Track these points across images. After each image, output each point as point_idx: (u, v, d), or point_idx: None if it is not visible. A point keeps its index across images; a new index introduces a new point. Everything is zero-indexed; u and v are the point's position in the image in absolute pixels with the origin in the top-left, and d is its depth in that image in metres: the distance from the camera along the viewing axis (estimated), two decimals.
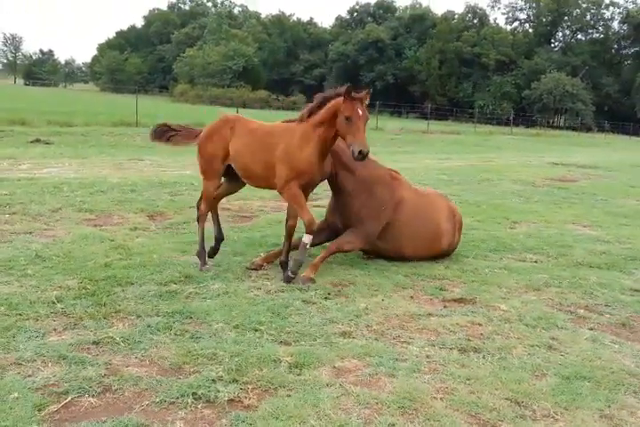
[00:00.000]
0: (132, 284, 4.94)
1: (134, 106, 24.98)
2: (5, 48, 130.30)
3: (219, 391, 3.31)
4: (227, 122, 5.71)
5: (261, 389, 3.39)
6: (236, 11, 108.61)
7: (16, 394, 3.12)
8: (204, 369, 3.54)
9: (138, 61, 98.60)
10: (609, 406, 3.47)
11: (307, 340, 4.09)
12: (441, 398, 3.40)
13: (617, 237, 8.28)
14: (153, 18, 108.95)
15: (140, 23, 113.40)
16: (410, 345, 4.12)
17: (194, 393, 3.26)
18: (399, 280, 5.61)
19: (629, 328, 4.84)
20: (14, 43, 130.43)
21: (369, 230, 5.92)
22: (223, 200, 8.96)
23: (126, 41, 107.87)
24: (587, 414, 3.37)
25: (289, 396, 3.31)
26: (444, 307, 5.00)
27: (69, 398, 3.14)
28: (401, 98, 67.97)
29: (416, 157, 19.23)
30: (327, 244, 6.01)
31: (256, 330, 4.17)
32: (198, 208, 5.99)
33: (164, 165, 13.24)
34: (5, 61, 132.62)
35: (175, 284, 5.02)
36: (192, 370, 3.54)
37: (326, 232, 6.09)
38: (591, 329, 4.73)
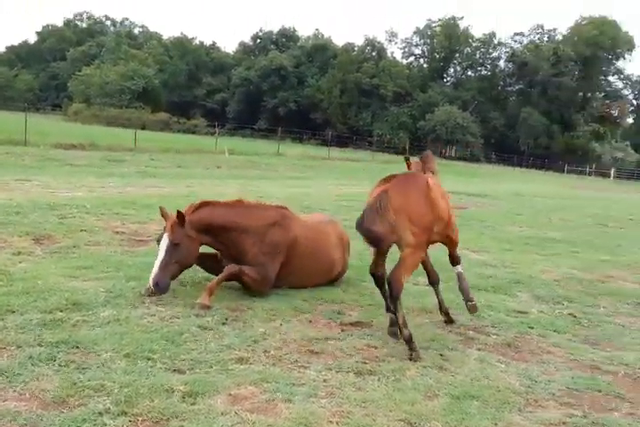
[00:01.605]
0: (13, 312, 4.61)
1: (23, 124, 23.68)
2: None
3: (105, 425, 3.14)
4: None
5: (152, 420, 3.24)
6: (136, 31, 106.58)
7: None
8: (90, 402, 3.35)
9: (29, 78, 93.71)
10: (495, 424, 3.62)
11: (202, 367, 3.98)
12: (337, 422, 3.40)
13: (502, 262, 8.77)
14: (47, 34, 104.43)
15: (33, 39, 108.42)
16: (307, 370, 4.12)
17: None
18: (298, 304, 5.62)
19: (514, 348, 5.10)
20: None
21: (268, 273, 5.77)
22: (118, 223, 8.68)
23: (17, 56, 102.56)
24: None
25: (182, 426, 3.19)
26: (342, 331, 5.05)
27: None
28: (303, 124, 69.03)
29: (317, 183, 19.53)
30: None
31: (148, 359, 4.00)
32: (396, 284, 4.60)
33: (54, 186, 12.60)
34: None
35: (61, 311, 4.73)
36: (77, 403, 3.34)
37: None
38: (479, 350, 4.95)
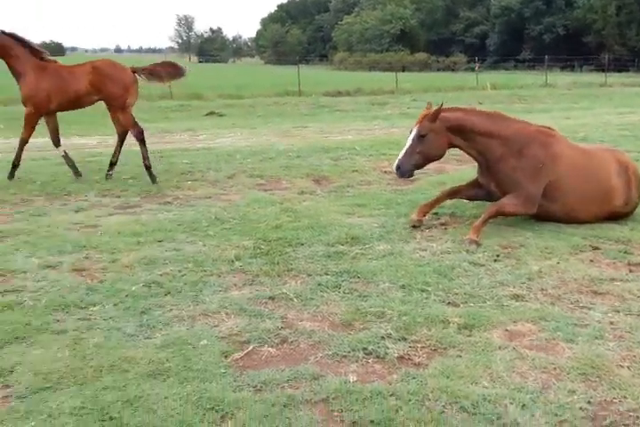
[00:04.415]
0: (302, 244, 5.15)
1: (296, 76, 25.69)
2: (180, 28, 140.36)
3: (388, 348, 3.36)
4: None
5: (430, 348, 3.38)
6: None
7: (205, 341, 3.42)
8: (372, 326, 3.61)
9: (298, 33, 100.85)
10: None
11: (476, 302, 3.99)
12: (628, 367, 3.15)
13: None
14: None
15: None
16: (590, 311, 3.85)
17: (364, 348, 3.34)
18: (576, 243, 5.24)
19: None
20: (187, 23, 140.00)
21: (530, 192, 5.51)
22: (385, 163, 9.00)
23: (287, 13, 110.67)
24: None
25: (459, 356, 3.27)
26: (630, 271, 4.59)
27: (251, 348, 3.38)
28: (573, 51, 62.36)
29: (593, 113, 17.68)
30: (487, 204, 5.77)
31: (423, 290, 4.15)
32: None
33: (327, 131, 13.53)
34: (180, 41, 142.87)
35: (342, 245, 5.14)
36: (361, 327, 3.63)
37: (483, 191, 5.85)
38: None
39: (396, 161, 5.58)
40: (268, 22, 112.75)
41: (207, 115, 17.70)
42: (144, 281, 4.31)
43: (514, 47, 70.34)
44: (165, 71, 8.17)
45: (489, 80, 30.29)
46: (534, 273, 4.50)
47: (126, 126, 7.91)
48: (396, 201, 6.66)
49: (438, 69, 62.39)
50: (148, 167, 7.79)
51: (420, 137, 5.52)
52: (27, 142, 7.87)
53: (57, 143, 8.10)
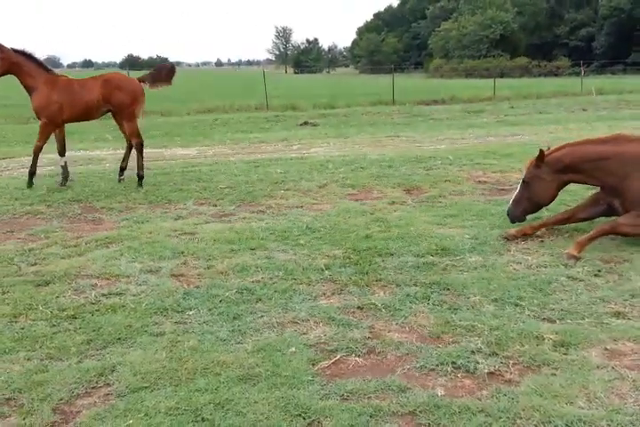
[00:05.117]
0: (392, 255, 5.14)
1: (391, 85, 25.68)
2: (277, 40, 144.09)
3: (478, 363, 3.28)
4: None
5: (523, 364, 3.27)
6: None
7: (293, 348, 3.49)
8: (462, 340, 3.55)
9: (394, 41, 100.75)
10: None
11: (573, 318, 3.81)
12: None
13: None
14: None
15: (395, 2, 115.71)
16: None
17: (453, 362, 3.28)
18: None
19: None
20: (285, 35, 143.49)
21: None
22: (479, 173, 8.80)
23: (383, 22, 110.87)
24: None
25: (554, 375, 3.14)
26: None
27: (338, 356, 3.41)
28: None
29: None
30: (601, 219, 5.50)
31: (516, 305, 4.02)
32: None
33: (419, 140, 13.41)
34: (277, 53, 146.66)
35: (432, 256, 5.08)
36: (451, 340, 3.57)
37: (602, 207, 5.55)
38: None
39: (506, 207, 5.86)
40: (363, 31, 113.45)
41: (301, 125, 18.06)
42: (237, 288, 4.46)
43: (622, 50, 66.58)
44: (165, 73, 8.64)
45: (594, 85, 28.87)
46: (638, 289, 4.24)
47: (130, 135, 8.46)
48: (490, 212, 6.49)
49: (539, 75, 60.18)
50: (140, 177, 8.37)
51: (526, 184, 5.61)
52: (41, 150, 8.41)
53: (62, 153, 8.61)
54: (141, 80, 8.49)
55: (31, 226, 6.39)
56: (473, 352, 3.39)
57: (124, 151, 8.81)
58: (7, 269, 5.00)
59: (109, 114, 8.55)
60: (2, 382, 3.18)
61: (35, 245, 5.64)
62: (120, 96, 8.16)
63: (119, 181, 8.62)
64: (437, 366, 3.27)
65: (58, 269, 4.91)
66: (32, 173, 8.36)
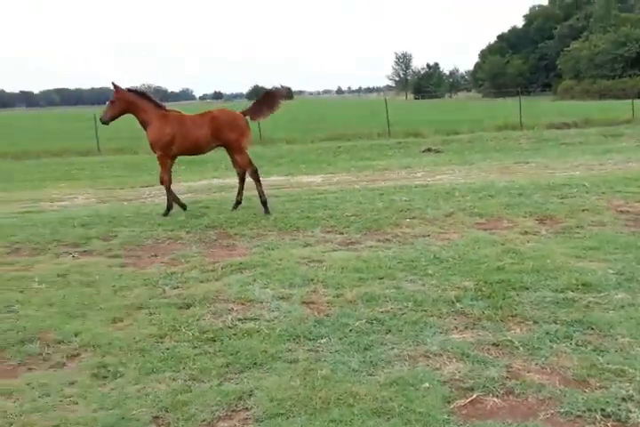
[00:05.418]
0: (527, 289, 4.91)
1: (516, 108, 24.89)
2: (397, 66, 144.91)
3: (630, 412, 3.03)
4: None
5: None
6: None
7: (427, 384, 3.41)
8: (611, 385, 3.29)
9: (519, 62, 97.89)
10: None
11: None
12: None
13: None
14: (534, 15, 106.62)
15: (520, 23, 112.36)
16: None
17: (602, 409, 3.06)
18: None
19: None
20: (405, 60, 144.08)
21: None
22: (621, 202, 8.23)
23: (507, 43, 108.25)
24: None
25: None
26: None
27: (475, 396, 3.29)
28: None
29: None
30: None
31: None
32: None
33: (551, 166, 12.82)
34: (397, 79, 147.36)
35: (572, 291, 4.79)
36: (598, 384, 3.33)
37: None
38: None
39: None
40: (486, 54, 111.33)
41: (424, 151, 17.94)
42: (366, 317, 4.46)
43: None
44: (266, 105, 8.82)
45: None
46: None
47: (243, 166, 8.81)
48: (636, 245, 6.03)
49: None
50: (264, 203, 8.68)
51: None
52: (169, 183, 8.89)
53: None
54: (245, 114, 8.86)
55: (173, 251, 6.82)
56: (624, 399, 3.14)
57: (252, 180, 9.20)
58: (153, 291, 5.36)
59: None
60: (150, 401, 3.38)
61: (176, 269, 6.01)
62: (227, 133, 8.64)
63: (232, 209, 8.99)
64: (584, 412, 3.06)
65: (197, 293, 5.19)
66: (169, 208, 8.93)
